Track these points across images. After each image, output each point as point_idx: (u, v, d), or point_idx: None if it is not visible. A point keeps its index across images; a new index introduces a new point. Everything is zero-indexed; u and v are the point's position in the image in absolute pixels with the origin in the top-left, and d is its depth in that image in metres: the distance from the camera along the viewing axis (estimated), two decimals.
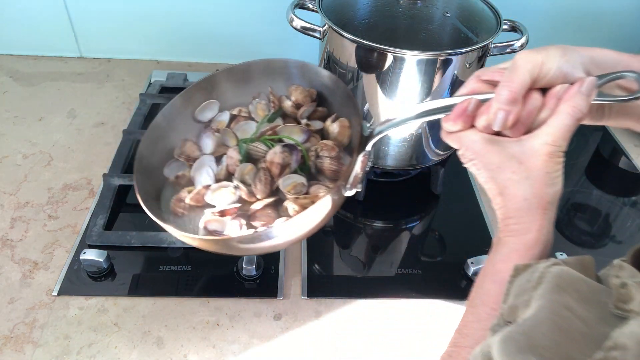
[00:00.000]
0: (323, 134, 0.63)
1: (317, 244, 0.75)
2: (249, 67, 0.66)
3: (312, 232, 0.53)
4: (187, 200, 0.58)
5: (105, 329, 0.62)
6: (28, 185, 0.82)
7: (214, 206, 0.58)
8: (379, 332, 0.65)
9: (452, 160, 0.92)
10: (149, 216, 0.52)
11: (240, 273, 0.69)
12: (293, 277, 0.70)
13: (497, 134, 0.37)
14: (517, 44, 0.74)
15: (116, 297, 0.66)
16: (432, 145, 0.79)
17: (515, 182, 0.36)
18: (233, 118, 0.66)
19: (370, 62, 0.69)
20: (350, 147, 0.61)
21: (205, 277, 0.69)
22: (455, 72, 0.69)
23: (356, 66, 0.70)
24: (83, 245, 0.71)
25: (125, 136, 0.88)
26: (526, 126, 0.36)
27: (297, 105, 0.64)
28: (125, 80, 1.08)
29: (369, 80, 0.71)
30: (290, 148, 0.59)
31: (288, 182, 0.57)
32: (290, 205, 0.56)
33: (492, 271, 0.39)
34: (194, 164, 0.62)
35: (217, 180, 0.60)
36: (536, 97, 0.36)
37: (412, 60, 0.66)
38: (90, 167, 0.86)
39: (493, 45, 0.72)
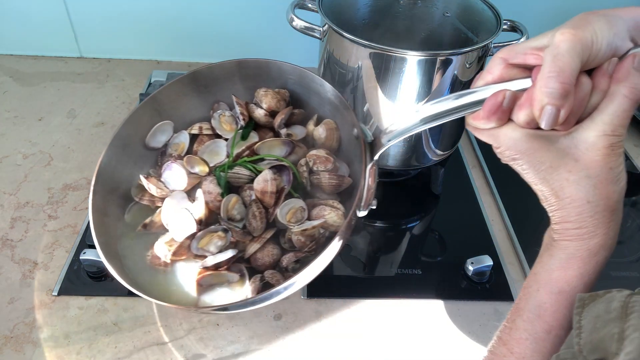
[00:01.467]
0: (307, 139, 0.56)
1: None
2: (196, 76, 0.56)
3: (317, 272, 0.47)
4: (169, 258, 0.50)
5: (105, 329, 0.62)
6: (28, 185, 0.82)
7: (202, 256, 0.49)
8: (379, 332, 0.65)
9: (452, 160, 0.92)
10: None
11: None
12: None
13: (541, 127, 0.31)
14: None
15: (116, 297, 0.66)
16: (432, 145, 0.79)
17: (574, 182, 0.30)
18: (194, 138, 0.57)
19: (370, 62, 0.69)
20: (341, 151, 0.55)
21: None
22: (455, 72, 0.69)
23: (356, 66, 0.70)
24: (83, 245, 0.71)
25: None
26: (577, 116, 0.30)
27: (272, 113, 0.56)
28: (125, 80, 1.08)
29: (369, 80, 0.71)
30: (277, 169, 0.51)
31: (285, 210, 0.50)
32: (295, 237, 0.49)
33: (547, 280, 0.34)
34: (163, 205, 0.52)
35: (198, 222, 0.50)
36: (585, 80, 0.30)
37: (412, 60, 0.66)
38: (90, 167, 0.85)
39: (493, 45, 0.72)
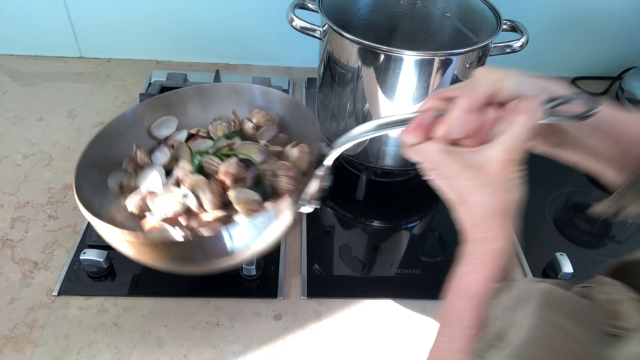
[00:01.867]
0: (282, 158, 0.61)
1: (317, 243, 0.75)
2: (214, 89, 0.66)
3: (262, 247, 0.50)
4: (130, 207, 0.53)
5: (105, 329, 0.62)
6: (28, 185, 0.82)
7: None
8: (378, 332, 0.65)
9: None
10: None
11: (240, 273, 0.69)
12: (293, 277, 0.70)
13: (456, 144, 0.38)
14: (517, 44, 0.74)
15: (116, 297, 0.66)
16: None
17: (476, 188, 0.36)
18: (190, 137, 0.64)
19: (370, 62, 0.69)
20: (308, 173, 0.58)
21: (205, 277, 0.69)
22: (455, 72, 0.69)
23: (356, 66, 0.70)
24: (83, 245, 0.71)
25: None
26: (483, 136, 0.37)
27: (258, 128, 0.64)
28: (125, 80, 1.08)
29: (369, 80, 0.71)
30: (246, 163, 0.56)
31: (241, 197, 0.53)
32: (240, 217, 0.52)
33: (460, 285, 0.38)
34: (141, 172, 0.57)
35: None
36: (492, 109, 0.37)
37: (412, 60, 0.66)
38: None
39: (493, 45, 0.72)
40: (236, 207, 0.52)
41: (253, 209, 0.52)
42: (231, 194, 0.53)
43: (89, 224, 0.74)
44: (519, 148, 0.35)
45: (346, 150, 0.48)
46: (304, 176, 0.55)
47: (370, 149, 0.79)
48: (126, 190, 0.58)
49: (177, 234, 0.51)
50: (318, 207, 0.51)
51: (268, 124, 0.64)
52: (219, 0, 1.04)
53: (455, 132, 0.37)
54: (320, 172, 0.50)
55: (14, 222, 0.75)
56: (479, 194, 0.36)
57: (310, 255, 0.73)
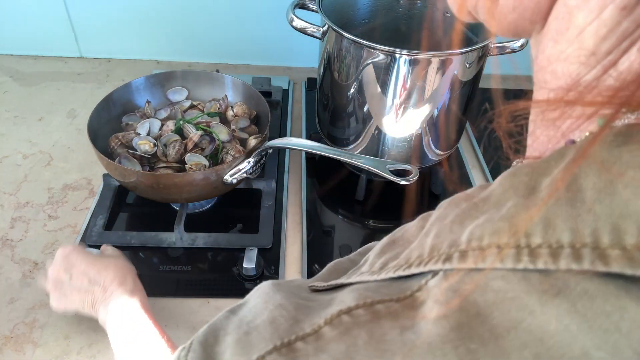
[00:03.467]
0: (243, 143, 0.78)
1: (317, 244, 0.75)
2: (222, 78, 0.86)
3: (190, 192, 0.68)
4: (120, 138, 0.76)
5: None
6: (28, 185, 0.82)
7: (135, 149, 0.75)
8: None
9: (452, 160, 0.92)
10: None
11: (240, 273, 0.69)
12: (293, 277, 0.70)
13: None
14: (517, 44, 0.74)
15: None
16: (432, 145, 0.79)
17: None
18: (191, 107, 0.86)
19: (370, 62, 0.69)
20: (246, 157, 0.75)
21: (205, 277, 0.69)
22: (455, 72, 0.69)
23: (356, 66, 0.70)
24: (83, 245, 0.71)
25: None
26: None
27: (236, 116, 0.83)
28: (125, 80, 1.06)
29: (369, 80, 0.71)
30: (210, 138, 0.75)
31: (193, 159, 0.72)
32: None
33: None
34: (144, 120, 0.80)
35: (153, 137, 0.78)
36: None
37: (412, 60, 0.66)
38: (90, 167, 0.86)
39: (493, 45, 0.72)
40: (186, 164, 0.72)
41: (196, 169, 0.71)
42: (186, 155, 0.73)
43: (88, 224, 0.74)
44: None
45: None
46: (245, 158, 0.69)
47: (371, 149, 0.79)
48: (129, 128, 0.78)
49: (135, 165, 0.72)
50: (234, 182, 0.67)
51: (245, 116, 0.82)
52: (219, 0, 1.04)
53: None
54: (250, 158, 0.65)
55: (14, 222, 0.75)
56: None
57: (310, 255, 0.73)
